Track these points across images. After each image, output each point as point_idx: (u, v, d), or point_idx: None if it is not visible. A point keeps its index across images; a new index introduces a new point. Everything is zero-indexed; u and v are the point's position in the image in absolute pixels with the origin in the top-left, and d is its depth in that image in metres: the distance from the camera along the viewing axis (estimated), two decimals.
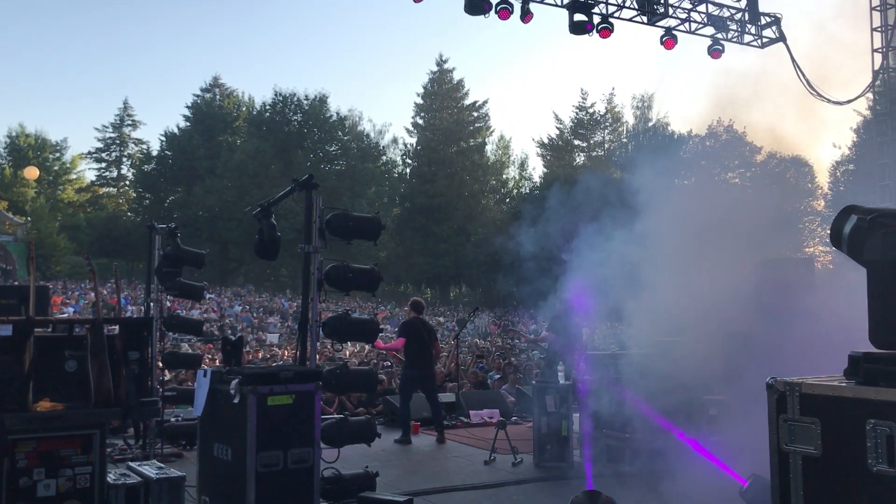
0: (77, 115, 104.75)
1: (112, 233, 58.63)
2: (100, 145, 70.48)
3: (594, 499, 4.94)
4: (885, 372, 2.96)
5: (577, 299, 11.28)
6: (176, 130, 64.80)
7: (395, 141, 70.23)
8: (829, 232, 3.46)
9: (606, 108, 66.71)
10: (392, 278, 58.49)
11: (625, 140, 66.39)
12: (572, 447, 8.96)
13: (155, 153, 66.13)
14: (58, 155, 68.16)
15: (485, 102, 67.47)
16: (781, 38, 15.36)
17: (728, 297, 8.01)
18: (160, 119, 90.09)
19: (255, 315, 37.17)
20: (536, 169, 73.94)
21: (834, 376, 3.25)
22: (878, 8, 16.19)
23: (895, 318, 2.99)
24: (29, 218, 53.08)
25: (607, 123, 67.07)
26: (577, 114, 66.94)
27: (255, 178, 56.60)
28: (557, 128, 67.83)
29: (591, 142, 67.56)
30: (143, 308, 10.40)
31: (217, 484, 5.82)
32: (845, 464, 2.97)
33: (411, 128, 67.36)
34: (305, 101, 62.59)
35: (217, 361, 15.02)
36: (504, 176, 70.41)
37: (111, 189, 71.90)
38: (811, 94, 14.97)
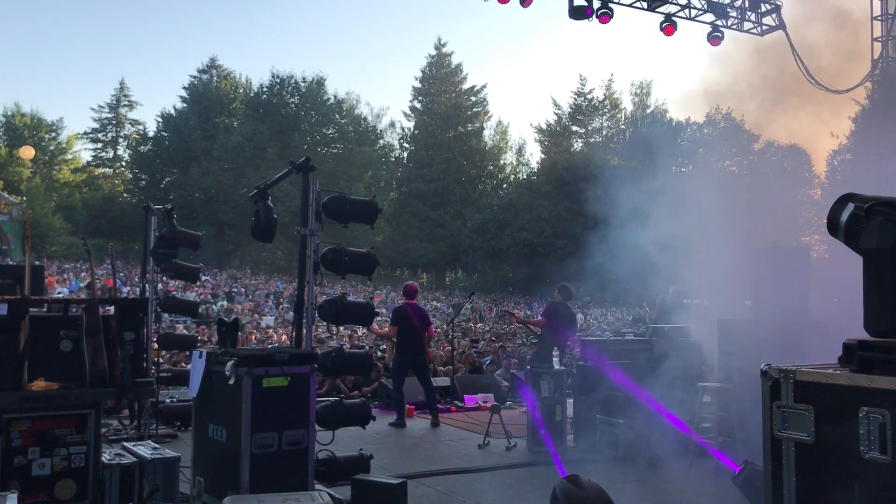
0: (73, 95, 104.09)
1: (108, 214, 58.43)
2: (96, 126, 70.20)
3: (577, 483, 4.93)
4: (878, 360, 2.96)
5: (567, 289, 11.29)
6: (172, 111, 64.46)
7: (392, 125, 70.25)
8: (825, 221, 3.46)
9: (605, 94, 66.55)
10: (388, 262, 58.50)
11: (623, 127, 66.33)
12: (566, 432, 9.00)
13: (151, 134, 65.79)
14: (53, 135, 67.82)
15: (483, 87, 67.48)
16: (781, 25, 15.30)
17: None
18: (157, 100, 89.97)
19: (250, 297, 37.16)
20: (534, 155, 73.86)
21: (828, 364, 3.26)
22: None
23: (890, 306, 2.99)
24: (24, 198, 52.88)
25: (605, 110, 66.89)
26: (575, 100, 66.76)
27: (252, 161, 56.42)
28: (555, 113, 67.76)
29: (590, 128, 67.40)
30: (138, 289, 10.39)
31: (212, 465, 5.84)
32: (838, 451, 2.98)
33: (409, 112, 67.17)
34: (303, 84, 62.32)
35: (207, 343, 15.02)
36: (501, 161, 70.31)
37: (107, 170, 71.63)
38: (810, 82, 14.94)
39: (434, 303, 41.74)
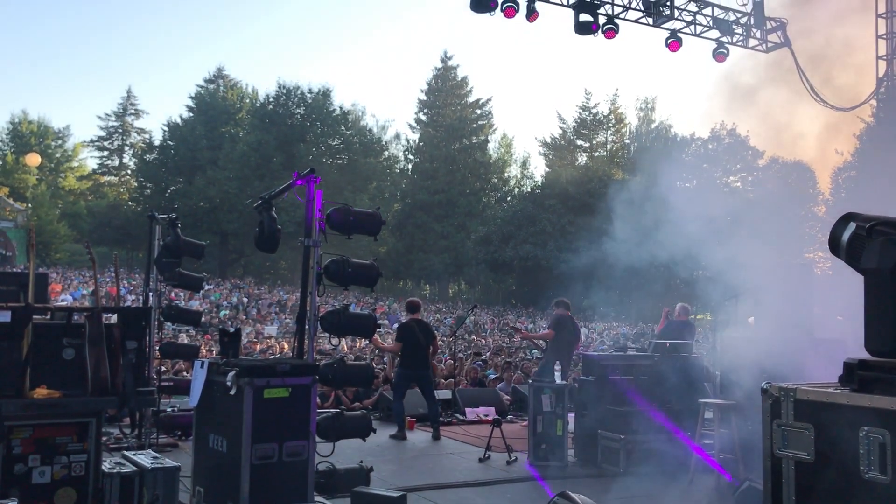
0: (80, 102, 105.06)
1: (112, 221, 58.55)
2: (102, 133, 70.60)
3: (570, 499, 4.91)
4: (879, 380, 2.96)
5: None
6: (179, 121, 64.71)
7: (397, 136, 70.35)
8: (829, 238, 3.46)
9: (610, 108, 66.69)
10: (391, 274, 58.52)
11: (627, 141, 66.44)
12: (567, 446, 8.97)
13: (157, 143, 66.06)
14: (60, 142, 68.22)
15: (488, 100, 67.67)
16: (786, 42, 15.34)
17: None
18: (163, 109, 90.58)
19: (253, 306, 37.19)
20: (538, 168, 73.80)
21: (829, 383, 3.26)
22: (884, 15, 16.20)
23: (891, 326, 2.99)
24: (30, 205, 53.08)
25: (610, 124, 67.02)
26: (580, 114, 66.92)
27: (257, 171, 56.57)
28: (560, 127, 67.90)
29: (594, 142, 67.53)
30: (142, 297, 10.40)
31: (212, 475, 5.83)
32: (837, 470, 2.98)
33: (414, 124, 67.38)
34: (309, 95, 62.54)
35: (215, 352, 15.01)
36: (506, 174, 70.44)
37: (112, 178, 71.94)
38: (815, 99, 14.96)
39: (436, 315, 41.72)
